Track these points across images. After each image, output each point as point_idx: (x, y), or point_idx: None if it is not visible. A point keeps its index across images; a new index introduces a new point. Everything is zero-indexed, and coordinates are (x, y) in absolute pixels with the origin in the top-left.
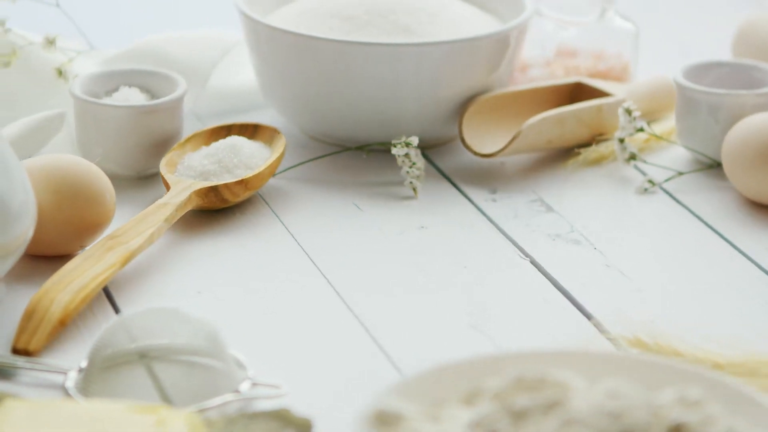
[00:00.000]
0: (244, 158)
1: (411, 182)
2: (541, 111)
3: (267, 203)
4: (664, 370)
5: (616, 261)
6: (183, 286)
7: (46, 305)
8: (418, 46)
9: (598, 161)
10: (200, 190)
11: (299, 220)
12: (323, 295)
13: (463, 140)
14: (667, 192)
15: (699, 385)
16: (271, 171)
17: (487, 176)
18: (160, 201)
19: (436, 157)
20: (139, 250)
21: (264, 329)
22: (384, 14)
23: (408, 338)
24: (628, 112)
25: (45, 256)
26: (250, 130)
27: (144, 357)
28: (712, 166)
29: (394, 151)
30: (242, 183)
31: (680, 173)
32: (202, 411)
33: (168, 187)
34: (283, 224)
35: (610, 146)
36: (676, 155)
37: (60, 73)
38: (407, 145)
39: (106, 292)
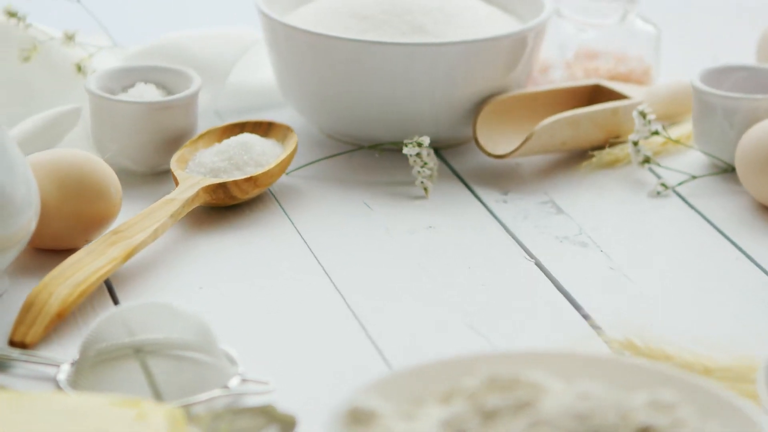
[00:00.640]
0: (255, 155)
1: (422, 182)
2: (558, 113)
3: (277, 201)
4: (643, 373)
5: (621, 264)
6: (185, 282)
7: (45, 298)
8: (432, 46)
9: (612, 164)
10: (208, 186)
11: (308, 218)
12: (324, 294)
13: (476, 141)
14: (680, 196)
15: (676, 389)
16: (282, 169)
17: (500, 177)
18: (167, 197)
19: (451, 158)
20: (142, 246)
21: (261, 326)
22: (400, 14)
23: (404, 338)
24: (643, 114)
25: (51, 250)
26: (264, 128)
27: (135, 351)
28: (727, 171)
29: (405, 150)
30: (251, 180)
31: (694, 177)
32: (189, 405)
33: (177, 184)
34: (292, 222)
35: (625, 149)
36: (693, 159)
37: (79, 68)
38: (419, 144)
39: (108, 287)
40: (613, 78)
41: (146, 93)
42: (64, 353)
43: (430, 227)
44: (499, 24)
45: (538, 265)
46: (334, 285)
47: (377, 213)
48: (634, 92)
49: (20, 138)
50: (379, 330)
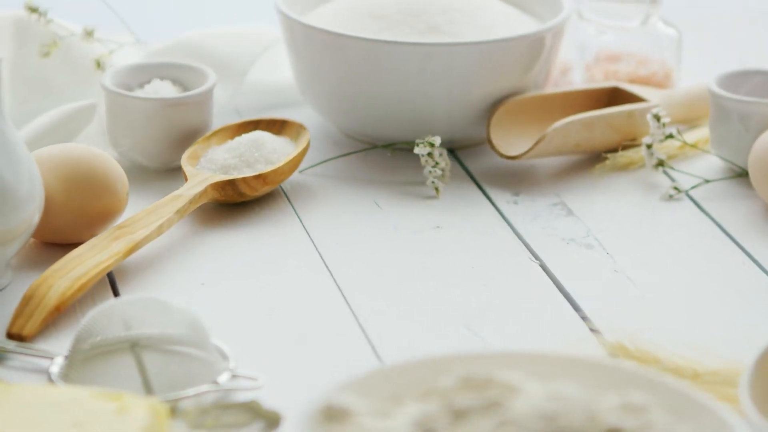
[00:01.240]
0: (266, 153)
1: (433, 182)
2: (575, 115)
3: (288, 199)
4: (621, 375)
5: (625, 267)
6: (188, 278)
7: (44, 291)
8: (448, 47)
9: (627, 167)
10: (217, 183)
11: (317, 216)
12: (325, 292)
13: (490, 141)
14: (692, 200)
15: (653, 392)
16: (292, 167)
17: (512, 178)
18: (175, 193)
19: (466, 158)
20: (145, 241)
21: (259, 322)
22: (416, 14)
23: (401, 337)
24: (657, 117)
25: (57, 244)
26: (278, 126)
27: (131, 345)
28: (742, 175)
29: (416, 150)
30: (260, 177)
31: (707, 181)
32: (177, 400)
33: (186, 180)
34: (300, 220)
35: (640, 152)
36: (710, 164)
37: (98, 64)
38: (430, 144)
39: (111, 281)
40: (633, 81)
41: (161, 89)
42: (61, 346)
43: (438, 227)
44: (517, 24)
45: (542, 266)
46: (337, 284)
47: (387, 212)
48: (652, 95)
49: (36, 133)
50: (377, 329)
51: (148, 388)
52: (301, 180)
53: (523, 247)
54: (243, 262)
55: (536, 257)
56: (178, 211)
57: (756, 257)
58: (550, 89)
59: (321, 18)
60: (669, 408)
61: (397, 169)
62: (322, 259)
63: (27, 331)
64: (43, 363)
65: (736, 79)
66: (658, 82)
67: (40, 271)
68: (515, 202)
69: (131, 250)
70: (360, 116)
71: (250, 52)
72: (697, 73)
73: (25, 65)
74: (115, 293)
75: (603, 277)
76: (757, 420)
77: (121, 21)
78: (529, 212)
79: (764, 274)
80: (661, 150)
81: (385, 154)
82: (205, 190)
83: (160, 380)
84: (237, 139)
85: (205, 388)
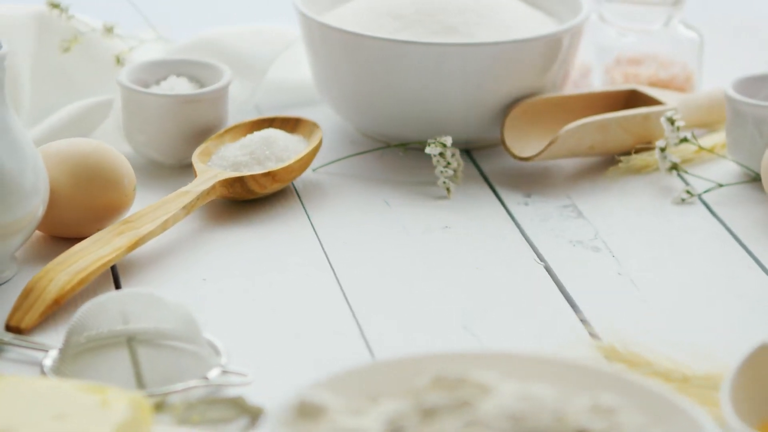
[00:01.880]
0: (277, 151)
1: (444, 182)
2: (589, 117)
3: (299, 196)
4: (597, 376)
5: (630, 270)
6: (192, 273)
7: (44, 285)
8: (462, 47)
9: (641, 170)
10: (226, 180)
11: (326, 215)
12: (326, 291)
13: (503, 142)
14: (705, 204)
15: (627, 394)
16: (303, 165)
17: (525, 180)
18: (183, 189)
19: (481, 159)
20: (149, 236)
21: (257, 319)
22: (433, 14)
23: (398, 336)
24: (671, 121)
25: (64, 238)
26: (292, 124)
27: (117, 339)
28: (757, 180)
29: (428, 150)
30: (269, 175)
31: (720, 185)
32: (166, 394)
33: (196, 176)
34: (309, 218)
35: (654, 155)
36: (727, 169)
37: (118, 60)
38: (442, 144)
39: (114, 275)
40: (653, 84)
41: (177, 86)
42: (59, 340)
43: (447, 227)
44: (535, 25)
45: (547, 268)
46: (339, 282)
47: (396, 211)
48: (670, 99)
49: (53, 127)
50: (375, 329)
51: (139, 383)
52: (314, 178)
53: (529, 248)
54: (248, 259)
55: (541, 259)
56: (184, 207)
57: (763, 261)
58: (567, 91)
59: (340, 17)
60: (643, 410)
61: (411, 169)
62: (327, 258)
63: (25, 323)
64: (39, 356)
65: (754, 84)
66: (679, 85)
67: (46, 264)
68: (526, 204)
69: (134, 245)
70: (376, 116)
71: (270, 50)
72: (719, 77)
73: (46, 61)
74: (118, 288)
75: (606, 279)
76: (736, 425)
77: (144, 18)
78: (539, 214)
79: None
80: (677, 154)
81: (400, 153)
82: (213, 187)
83: (152, 375)
84: (249, 136)
85: (193, 383)
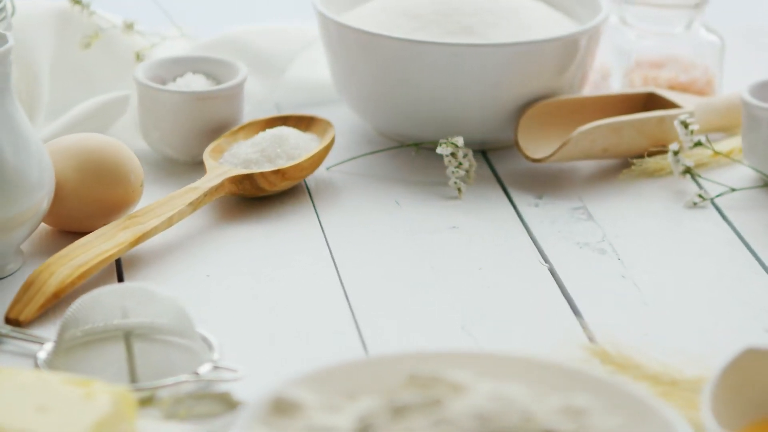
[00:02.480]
0: (288, 149)
1: (455, 182)
2: (603, 119)
3: (310, 195)
4: (572, 377)
5: (634, 272)
6: (197, 270)
7: (45, 278)
8: (478, 47)
9: (655, 173)
10: (235, 177)
11: (336, 214)
12: (327, 290)
13: (517, 144)
14: (717, 208)
15: (602, 394)
16: (314, 163)
17: (539, 182)
18: (191, 185)
19: (496, 160)
20: (154, 232)
21: (256, 317)
22: (449, 14)
23: (396, 336)
24: (685, 125)
25: (71, 232)
26: (306, 122)
27: (111, 333)
28: None
29: (439, 150)
30: (279, 173)
31: (733, 189)
32: (155, 389)
33: (207, 173)
34: (317, 216)
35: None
36: (742, 173)
37: (138, 57)
38: (453, 145)
39: (119, 270)
40: (672, 87)
41: (193, 83)
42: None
43: (454, 227)
44: (552, 26)
45: (551, 269)
46: (341, 281)
47: (406, 211)
48: (688, 102)
49: (70, 123)
50: (374, 329)
51: (132, 377)
52: (327, 177)
53: (535, 249)
54: (253, 256)
55: (546, 260)
56: (191, 204)
57: None
58: (583, 93)
59: (358, 17)
60: (618, 412)
61: (425, 169)
62: (332, 256)
63: (24, 316)
64: (36, 348)
65: None
66: (700, 89)
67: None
68: (536, 205)
69: (138, 240)
70: (393, 115)
71: (289, 49)
72: (740, 81)
73: (66, 57)
74: (120, 281)
75: (609, 282)
76: (714, 427)
77: (166, 15)
78: (549, 216)
79: None
80: (693, 158)
81: (414, 153)
82: (221, 184)
83: (144, 369)
84: (261, 134)
85: (184, 378)
